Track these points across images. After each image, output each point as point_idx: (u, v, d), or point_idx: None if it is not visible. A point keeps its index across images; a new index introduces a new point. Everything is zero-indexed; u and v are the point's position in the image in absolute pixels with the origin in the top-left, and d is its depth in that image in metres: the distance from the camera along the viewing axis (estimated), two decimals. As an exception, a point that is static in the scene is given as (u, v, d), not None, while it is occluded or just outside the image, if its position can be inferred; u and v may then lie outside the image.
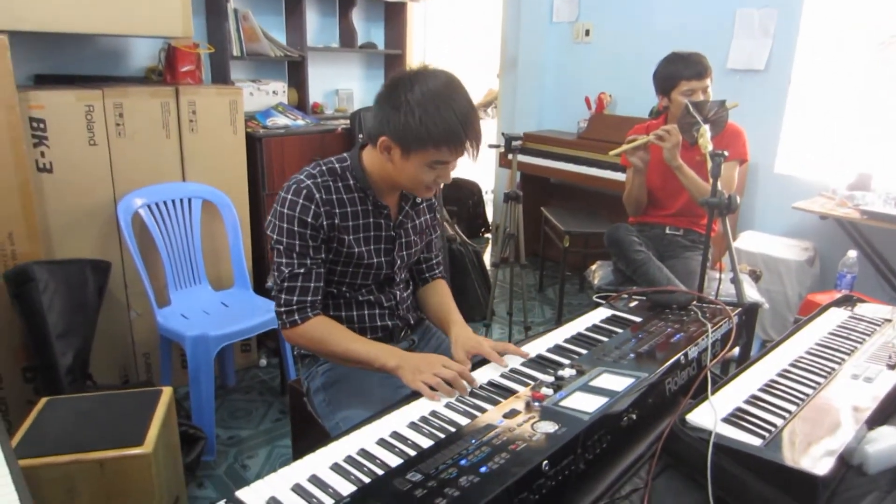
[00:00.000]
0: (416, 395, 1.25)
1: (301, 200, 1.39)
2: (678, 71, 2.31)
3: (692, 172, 2.29)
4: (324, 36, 3.66)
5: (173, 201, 2.56)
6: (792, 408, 1.22)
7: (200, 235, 2.64)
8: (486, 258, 4.26)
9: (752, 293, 2.47)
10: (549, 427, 1.04)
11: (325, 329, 1.43)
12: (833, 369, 1.38)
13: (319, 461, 1.01)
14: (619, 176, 3.59)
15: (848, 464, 1.13)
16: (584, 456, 1.04)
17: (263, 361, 2.99)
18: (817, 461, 1.04)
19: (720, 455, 1.09)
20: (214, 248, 2.76)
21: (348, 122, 3.14)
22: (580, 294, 4.02)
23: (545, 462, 0.95)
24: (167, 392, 1.78)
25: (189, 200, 2.61)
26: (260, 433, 2.46)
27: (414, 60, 4.35)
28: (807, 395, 1.27)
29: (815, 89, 3.41)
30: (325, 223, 1.41)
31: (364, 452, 1.03)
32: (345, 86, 3.82)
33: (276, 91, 3.33)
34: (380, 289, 1.58)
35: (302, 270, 1.41)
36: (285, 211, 1.39)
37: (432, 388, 1.23)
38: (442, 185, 1.51)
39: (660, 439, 1.17)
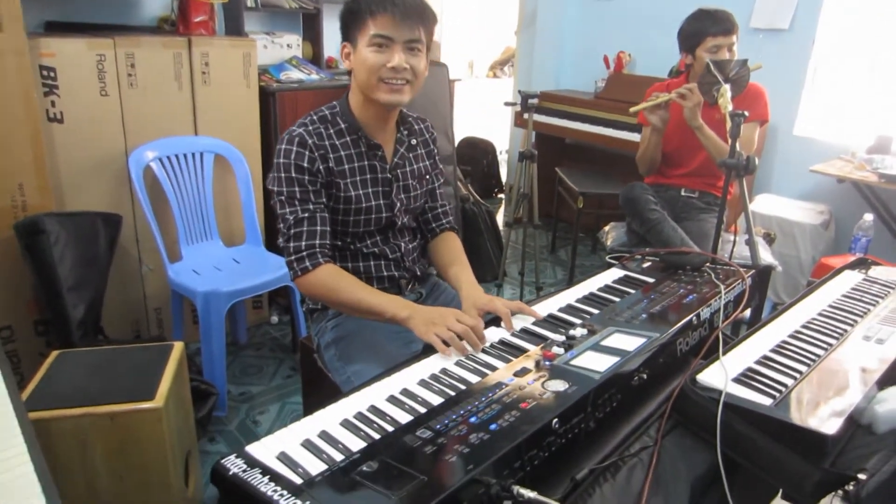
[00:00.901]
0: (426, 352, 1.25)
1: (295, 148, 1.41)
2: (704, 27, 2.24)
3: (712, 133, 2.25)
4: (338, -12, 3.57)
5: (185, 155, 2.54)
6: (803, 368, 1.21)
7: (212, 190, 2.63)
8: (499, 218, 4.24)
9: (765, 256, 2.45)
10: (560, 386, 1.04)
11: (337, 277, 1.43)
12: (845, 331, 1.37)
13: (330, 417, 1.01)
14: (636, 136, 3.53)
15: (857, 423, 1.13)
16: (594, 414, 1.04)
17: (275, 318, 3.01)
18: (826, 420, 1.04)
19: (729, 414, 1.09)
20: (226, 204, 2.75)
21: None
22: (592, 255, 4.00)
23: (555, 420, 0.95)
24: (178, 347, 1.80)
25: (201, 155, 2.59)
26: (271, 389, 2.49)
27: (441, 17, 4.28)
28: (818, 356, 1.27)
29: (838, 50, 3.31)
30: (320, 167, 1.43)
31: (374, 409, 1.03)
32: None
33: (290, 44, 3.27)
34: (384, 240, 1.58)
35: (306, 215, 1.42)
36: (281, 161, 1.42)
37: (445, 343, 1.22)
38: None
39: (670, 398, 1.18)
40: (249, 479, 0.87)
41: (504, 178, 5.18)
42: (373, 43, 1.36)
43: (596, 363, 1.12)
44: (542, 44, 4.45)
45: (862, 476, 1.01)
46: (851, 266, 1.78)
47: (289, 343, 2.82)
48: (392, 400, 1.06)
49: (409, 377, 1.14)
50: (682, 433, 1.16)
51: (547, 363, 1.13)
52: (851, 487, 1.01)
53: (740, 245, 2.45)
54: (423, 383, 1.11)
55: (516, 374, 1.09)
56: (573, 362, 1.13)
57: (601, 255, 3.98)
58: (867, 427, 1.13)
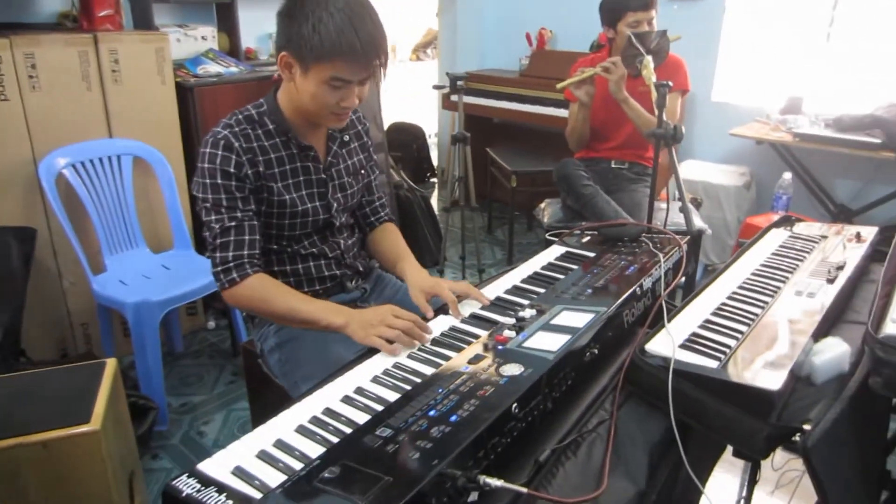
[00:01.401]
0: (375, 348, 1.22)
1: (220, 152, 1.32)
2: (625, 2, 2.28)
3: (637, 104, 2.29)
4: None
5: (101, 160, 2.40)
6: (743, 328, 1.25)
7: (134, 195, 2.50)
8: (434, 202, 4.22)
9: (696, 220, 2.52)
10: (515, 369, 1.04)
11: (267, 287, 1.36)
12: (778, 288, 1.42)
13: (283, 424, 0.98)
14: (564, 112, 3.55)
15: (797, 376, 1.17)
16: (551, 395, 1.05)
17: (212, 324, 2.91)
18: (770, 377, 1.08)
19: (679, 380, 1.11)
20: (150, 209, 2.62)
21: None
22: (529, 233, 4.04)
23: (514, 405, 0.94)
24: (111, 364, 1.70)
25: (118, 158, 2.46)
26: (214, 398, 2.41)
27: None
28: (756, 314, 1.31)
29: (748, 17, 3.43)
30: (249, 172, 1.35)
31: (329, 411, 1.00)
32: (277, 29, 3.63)
33: (205, 36, 3.12)
34: (322, 239, 1.53)
35: (233, 224, 1.34)
36: (206, 166, 1.33)
37: (389, 342, 1.19)
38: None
39: (621, 370, 1.19)
40: (205, 499, 0.83)
41: (435, 161, 5.16)
42: (328, 83, 1.28)
43: (548, 343, 1.12)
44: (464, 24, 4.43)
45: (807, 427, 1.05)
46: (777, 224, 1.85)
47: (228, 348, 2.73)
48: (347, 400, 1.03)
49: (362, 375, 1.11)
50: (636, 403, 1.18)
51: (500, 347, 1.13)
52: (797, 439, 1.06)
53: (671, 212, 2.52)
54: (376, 380, 1.09)
55: (470, 362, 1.08)
56: (525, 344, 1.13)
57: (538, 232, 4.03)
58: (806, 379, 1.18)
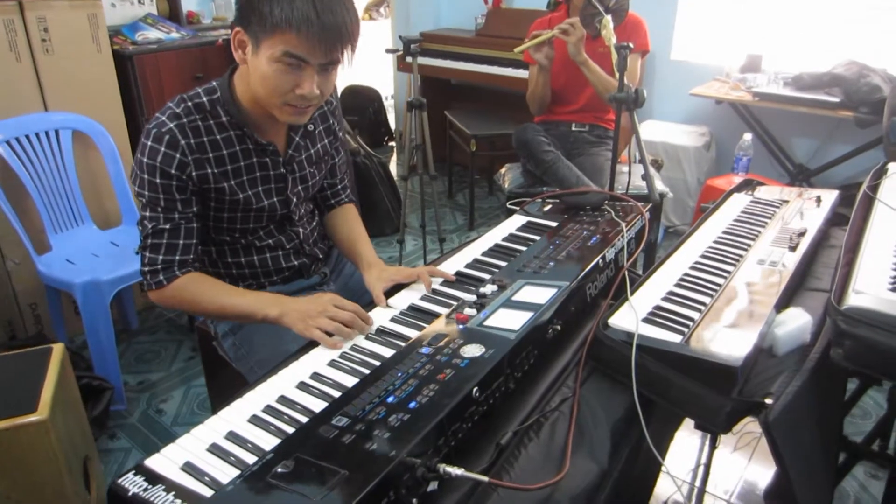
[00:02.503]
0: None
1: (163, 148, 1.19)
2: None
3: (597, 67, 2.24)
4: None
5: (37, 135, 2.27)
6: (706, 300, 1.24)
7: (76, 171, 2.37)
8: (393, 168, 4.15)
9: (657, 184, 2.51)
10: (476, 350, 1.01)
11: (195, 287, 1.27)
12: (740, 256, 1.42)
13: (236, 415, 0.94)
14: (522, 73, 3.51)
15: (760, 348, 1.17)
16: (513, 375, 1.02)
17: (167, 298, 2.81)
18: (733, 351, 1.07)
19: (642, 355, 1.10)
20: (95, 184, 2.50)
21: (230, 32, 2.84)
22: (490, 197, 4.00)
23: (475, 389, 0.92)
24: (58, 349, 1.62)
25: (56, 132, 2.32)
26: (172, 374, 2.35)
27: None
28: (719, 284, 1.30)
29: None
30: (194, 174, 1.22)
31: (284, 399, 0.96)
32: (221, -10, 3.45)
33: (142, 0, 2.95)
34: (279, 229, 1.43)
35: (168, 226, 1.23)
36: (145, 160, 1.20)
37: (330, 334, 1.12)
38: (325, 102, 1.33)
39: (584, 345, 1.17)
40: (152, 499, 0.79)
41: (393, 125, 5.05)
42: (280, 61, 1.12)
43: (510, 321, 1.09)
44: (417, -20, 4.29)
45: (769, 401, 1.05)
46: (738, 189, 1.85)
47: (186, 323, 2.65)
48: (302, 387, 1.00)
49: (318, 359, 1.07)
50: (598, 378, 1.16)
51: (461, 327, 1.10)
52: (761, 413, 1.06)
53: (633, 175, 2.51)
54: (333, 364, 1.05)
55: (430, 343, 1.05)
56: (487, 323, 1.10)
57: (499, 196, 4.00)
58: (768, 350, 1.18)
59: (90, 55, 2.40)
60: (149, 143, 1.20)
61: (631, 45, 1.69)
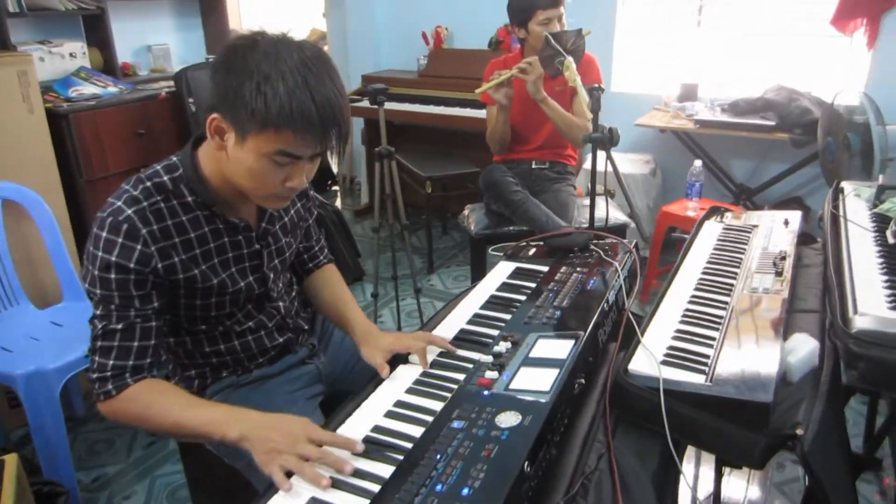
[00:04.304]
0: (349, 410, 1.09)
1: (120, 240, 1.05)
2: (534, 0, 2.24)
3: (556, 104, 2.27)
4: (125, -18, 3.12)
5: (-38, 208, 2.08)
6: (714, 334, 1.23)
7: (7, 244, 2.18)
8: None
9: (616, 214, 2.55)
10: (513, 419, 0.95)
11: (148, 398, 1.10)
12: (732, 285, 1.43)
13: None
14: (468, 112, 3.53)
15: (781, 378, 1.17)
16: (553, 440, 0.97)
17: (117, 377, 2.59)
18: (760, 387, 1.06)
19: (670, 399, 1.07)
20: (29, 257, 2.31)
21: (172, 84, 2.73)
22: (444, 237, 3.97)
23: (525, 464, 0.86)
24: (11, 461, 1.44)
25: (-16, 203, 2.14)
26: (131, 466, 2.13)
27: (239, 5, 3.90)
28: (721, 317, 1.30)
29: (641, 7, 3.52)
30: (160, 266, 1.09)
31: (317, 501, 0.87)
32: (158, 40, 3.31)
33: (73, 53, 2.79)
34: (259, 309, 1.29)
35: (120, 326, 1.08)
36: (99, 254, 1.05)
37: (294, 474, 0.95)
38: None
39: (604, 394, 1.14)
40: None
41: (335, 167, 4.97)
42: (272, 158, 1.03)
43: (537, 381, 1.04)
44: (354, 24, 4.27)
45: (799, 431, 1.04)
46: (707, 217, 1.88)
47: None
48: (335, 482, 0.90)
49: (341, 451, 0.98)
50: (625, 427, 1.13)
51: (486, 393, 1.04)
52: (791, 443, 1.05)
53: (597, 209, 2.54)
54: (361, 452, 0.97)
55: (460, 416, 0.98)
56: (513, 386, 1.05)
57: (454, 235, 3.97)
58: (782, 378, 1.18)
59: (21, 115, 2.23)
60: (103, 234, 1.05)
61: (603, 86, 1.71)
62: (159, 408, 1.09)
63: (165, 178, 1.12)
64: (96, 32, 2.94)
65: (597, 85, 1.68)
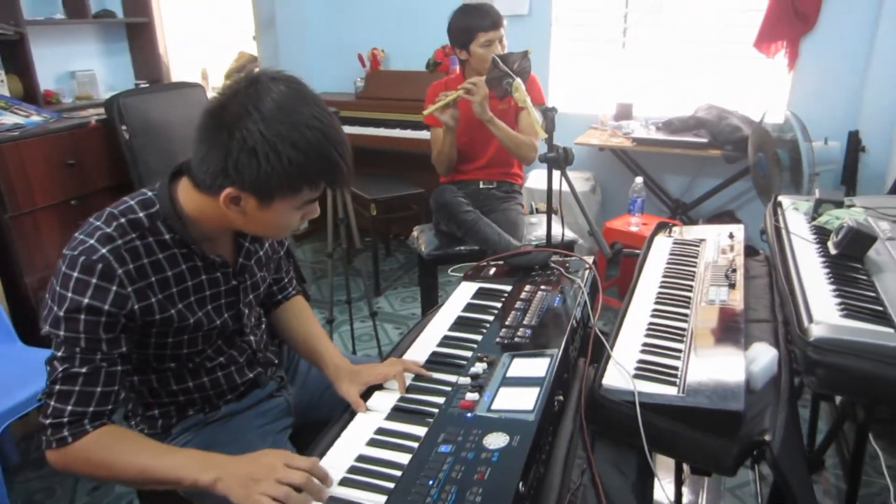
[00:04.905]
0: (329, 441, 1.06)
1: (94, 280, 0.99)
2: (474, 23, 2.28)
3: (503, 123, 2.30)
4: (45, 6, 2.98)
5: None
6: (681, 346, 1.27)
7: (-73, 283, 2.03)
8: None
9: (566, 232, 2.60)
10: (501, 440, 0.95)
11: (109, 443, 1.02)
12: (689, 298, 1.48)
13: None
14: (409, 133, 3.54)
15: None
16: (540, 459, 0.97)
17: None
18: (730, 395, 1.10)
19: (644, 411, 1.10)
20: (-49, 297, 2.15)
21: (102, 111, 2.61)
22: (389, 259, 3.94)
23: (520, 484, 0.86)
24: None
25: None
26: None
27: (163, 29, 3.78)
28: (684, 329, 1.34)
29: (574, 29, 3.64)
30: (136, 307, 1.04)
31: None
32: (82, 66, 3.17)
33: (-10, 82, 2.65)
34: (229, 344, 1.26)
35: (84, 369, 1.01)
36: (69, 295, 0.99)
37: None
38: None
39: (578, 410, 1.15)
40: None
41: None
42: (302, 206, 1.06)
43: (519, 401, 1.05)
44: (286, 46, 4.23)
45: (767, 437, 1.08)
46: (656, 232, 1.94)
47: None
48: (322, 515, 0.88)
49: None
50: (602, 441, 1.15)
51: (469, 415, 1.03)
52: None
53: (538, 226, 2.59)
54: (347, 482, 0.94)
55: (446, 440, 0.97)
56: (495, 406, 1.05)
57: (397, 256, 3.95)
58: (747, 386, 1.23)
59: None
60: (74, 273, 0.99)
61: (556, 108, 1.74)
62: (121, 456, 1.02)
63: (141, 214, 1.06)
64: (15, 59, 2.79)
65: (551, 106, 1.72)
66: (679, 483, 1.65)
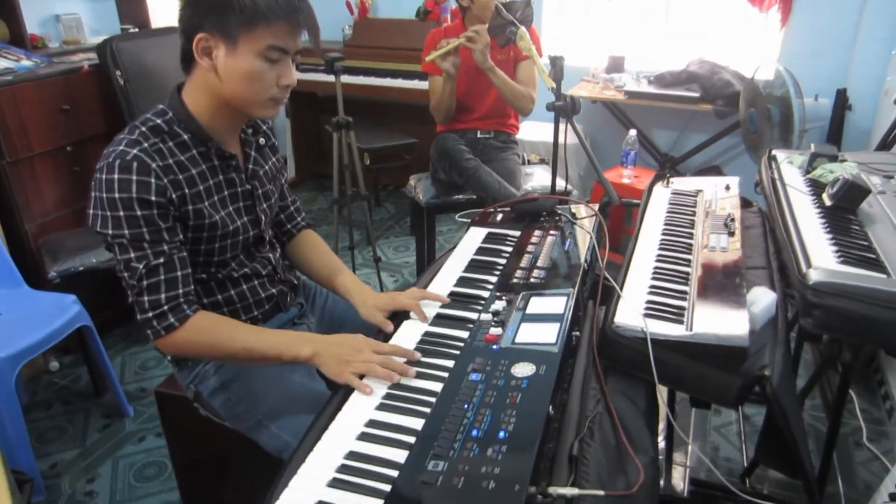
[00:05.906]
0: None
1: (134, 177, 1.10)
2: None
3: (503, 73, 2.32)
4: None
5: None
6: (686, 288, 1.34)
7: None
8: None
9: (559, 181, 2.65)
10: (528, 369, 1.01)
11: (213, 326, 1.18)
12: (690, 245, 1.54)
13: (310, 482, 0.86)
14: (400, 83, 3.53)
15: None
16: (564, 387, 1.04)
17: (55, 364, 2.46)
18: (735, 331, 1.17)
19: (654, 347, 1.17)
20: (-45, 242, 2.14)
21: (94, 56, 2.55)
22: (379, 209, 3.96)
23: (550, 406, 0.92)
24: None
25: None
26: (90, 449, 2.06)
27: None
28: (688, 273, 1.41)
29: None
30: (173, 196, 1.14)
31: (355, 455, 0.90)
32: (67, 10, 3.07)
33: (-26, 25, 2.56)
34: (250, 257, 1.35)
35: (161, 260, 1.13)
36: (116, 196, 1.09)
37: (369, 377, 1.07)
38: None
39: (591, 346, 1.22)
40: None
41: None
42: (264, 55, 1.11)
43: (541, 335, 1.11)
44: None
45: (766, 372, 1.17)
46: (654, 182, 2.00)
47: (85, 387, 2.34)
48: (366, 438, 0.94)
49: (364, 408, 1.00)
50: (614, 374, 1.22)
51: (495, 347, 1.10)
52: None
53: (540, 177, 2.63)
54: (385, 407, 1.00)
55: (476, 369, 1.04)
56: (518, 340, 1.11)
57: (387, 206, 3.98)
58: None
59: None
60: (115, 176, 1.09)
61: (564, 56, 1.76)
62: (226, 335, 1.16)
63: (158, 120, 1.17)
64: (1, 3, 2.68)
65: (560, 56, 1.74)
66: (672, 416, 1.76)
